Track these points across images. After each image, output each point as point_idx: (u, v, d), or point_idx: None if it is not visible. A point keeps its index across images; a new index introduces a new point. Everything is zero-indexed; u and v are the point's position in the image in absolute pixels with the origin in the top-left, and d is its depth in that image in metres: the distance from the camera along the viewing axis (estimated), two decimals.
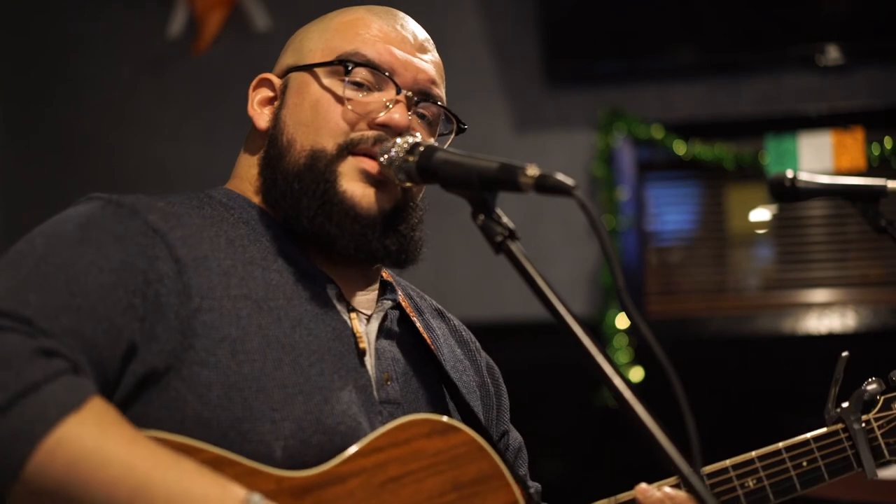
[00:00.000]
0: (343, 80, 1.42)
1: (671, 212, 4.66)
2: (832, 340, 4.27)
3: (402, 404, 1.41)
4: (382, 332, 1.45)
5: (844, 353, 1.56)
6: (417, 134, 1.40)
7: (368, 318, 1.44)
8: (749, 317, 4.39)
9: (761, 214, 4.58)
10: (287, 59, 1.51)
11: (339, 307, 1.40)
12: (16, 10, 4.88)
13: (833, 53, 4.21)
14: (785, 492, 1.50)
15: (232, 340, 1.26)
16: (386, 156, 1.38)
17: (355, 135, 1.41)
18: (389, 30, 1.46)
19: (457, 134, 1.51)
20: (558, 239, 4.38)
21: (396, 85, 1.42)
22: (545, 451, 4.41)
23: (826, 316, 4.32)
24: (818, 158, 4.23)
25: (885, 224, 1.81)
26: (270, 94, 1.49)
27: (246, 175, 1.47)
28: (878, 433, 1.56)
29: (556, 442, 4.38)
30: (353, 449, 1.28)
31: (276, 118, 1.45)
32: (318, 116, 1.41)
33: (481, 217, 1.23)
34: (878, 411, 1.57)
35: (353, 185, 1.39)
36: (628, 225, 4.39)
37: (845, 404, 1.56)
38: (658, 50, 4.35)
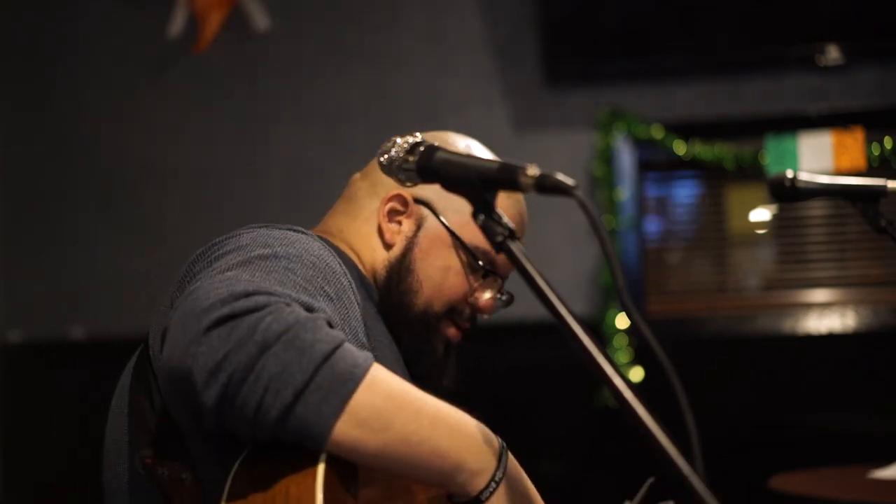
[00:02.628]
0: (476, 273, 1.68)
1: (671, 212, 4.66)
2: (832, 340, 4.27)
3: None
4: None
5: (651, 479, 1.60)
6: (417, 133, 1.41)
7: None
8: (749, 317, 4.39)
9: (761, 214, 4.58)
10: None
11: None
12: (15, 10, 4.88)
13: (833, 53, 4.21)
14: None
15: None
16: (386, 156, 1.38)
17: (459, 306, 1.68)
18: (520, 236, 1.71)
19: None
20: (559, 239, 4.38)
21: (501, 283, 1.71)
22: (545, 451, 4.41)
23: (826, 316, 4.31)
24: (818, 158, 4.23)
25: (885, 224, 1.81)
26: (401, 209, 1.66)
27: (363, 251, 1.68)
28: None
29: (555, 442, 4.38)
30: None
31: (408, 251, 1.66)
32: (445, 284, 1.67)
33: (481, 217, 1.23)
34: None
35: (440, 345, 1.68)
36: (628, 225, 4.39)
37: None
38: (658, 50, 4.35)
